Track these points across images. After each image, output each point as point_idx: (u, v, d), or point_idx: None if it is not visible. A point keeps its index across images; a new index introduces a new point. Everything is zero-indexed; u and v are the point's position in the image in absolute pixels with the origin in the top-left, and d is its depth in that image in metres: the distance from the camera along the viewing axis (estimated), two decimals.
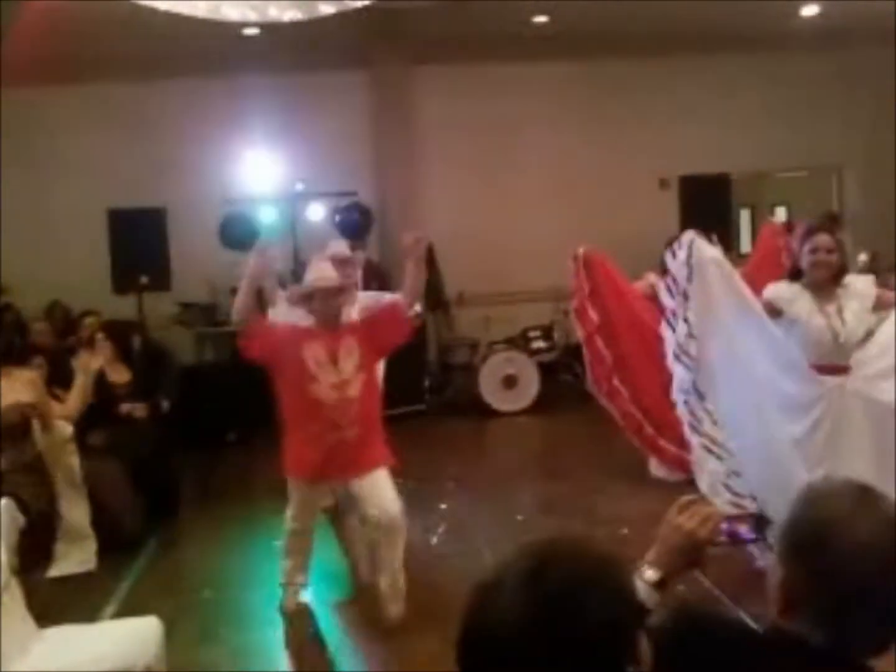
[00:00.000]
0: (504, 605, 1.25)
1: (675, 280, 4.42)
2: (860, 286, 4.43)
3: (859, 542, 1.45)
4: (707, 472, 4.48)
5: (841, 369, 4.31)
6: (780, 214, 12.74)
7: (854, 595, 1.45)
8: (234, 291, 8.91)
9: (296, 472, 4.45)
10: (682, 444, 6.17)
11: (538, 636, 1.23)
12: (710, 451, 4.48)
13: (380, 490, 4.33)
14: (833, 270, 4.34)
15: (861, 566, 1.44)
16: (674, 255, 4.45)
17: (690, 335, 4.41)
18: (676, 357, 4.51)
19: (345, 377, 4.28)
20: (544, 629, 1.23)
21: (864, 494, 1.53)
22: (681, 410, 4.59)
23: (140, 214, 9.39)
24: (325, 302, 4.33)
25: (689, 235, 4.43)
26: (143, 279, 8.75)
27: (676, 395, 4.58)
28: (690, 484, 5.99)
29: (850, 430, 4.25)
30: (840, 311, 4.30)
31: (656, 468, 6.45)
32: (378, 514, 4.32)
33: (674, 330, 4.51)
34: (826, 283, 4.35)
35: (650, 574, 1.65)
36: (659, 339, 6.04)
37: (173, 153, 9.43)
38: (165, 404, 6.85)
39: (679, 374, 4.52)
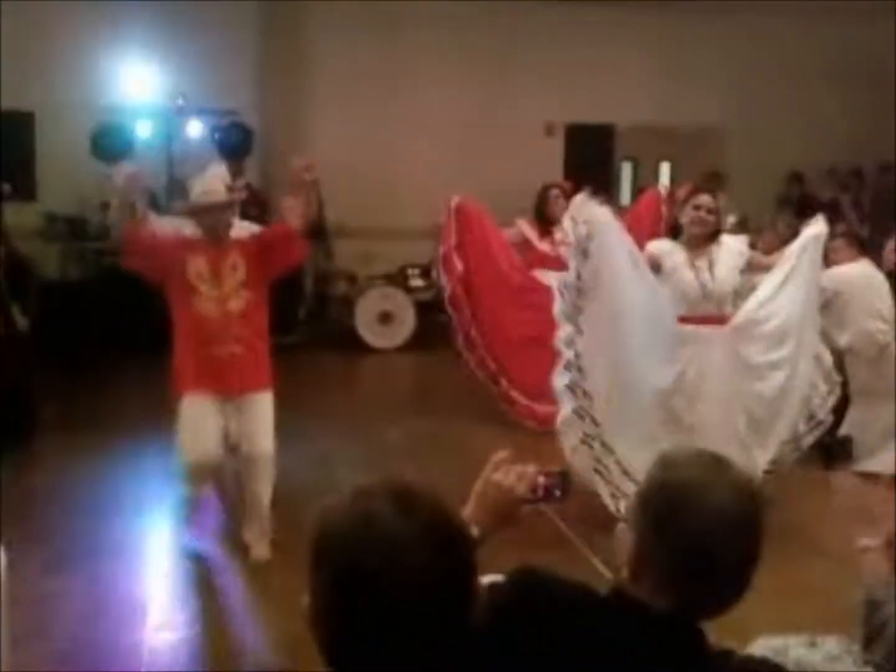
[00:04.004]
0: (386, 536, 1.24)
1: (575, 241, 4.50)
2: (733, 244, 4.82)
3: (710, 509, 1.48)
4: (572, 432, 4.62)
5: (711, 320, 4.66)
6: (664, 170, 12.95)
7: (701, 561, 1.48)
8: (103, 206, 8.67)
9: (184, 385, 4.31)
10: (534, 396, 6.33)
11: (423, 562, 1.24)
12: (580, 416, 4.58)
13: (257, 424, 4.31)
14: (709, 229, 4.72)
15: (710, 534, 1.47)
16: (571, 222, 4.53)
17: (581, 291, 4.50)
18: (565, 315, 4.57)
19: (226, 292, 4.24)
20: (428, 554, 1.24)
21: (717, 463, 1.57)
22: (561, 368, 4.65)
23: (5, 117, 8.83)
24: (212, 217, 4.25)
25: (581, 198, 4.54)
26: (6, 187, 8.25)
27: (560, 347, 4.64)
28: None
29: (713, 378, 4.59)
30: (710, 266, 4.66)
31: None
32: (248, 449, 4.30)
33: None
34: (701, 240, 4.72)
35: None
36: (523, 293, 6.18)
37: (45, 54, 8.87)
38: (23, 322, 6.54)
39: (566, 330, 4.58)
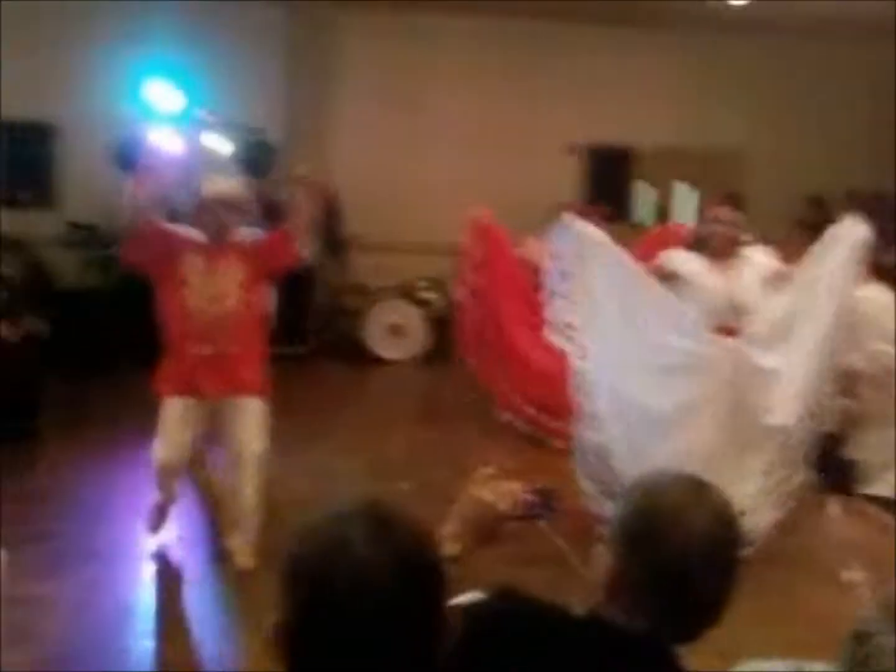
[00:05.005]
0: (358, 562, 1.24)
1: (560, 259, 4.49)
2: (758, 257, 4.72)
3: (686, 533, 1.47)
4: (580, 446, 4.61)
5: (734, 331, 4.55)
6: (682, 192, 12.92)
7: (676, 584, 1.47)
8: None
9: (168, 386, 4.31)
10: (546, 412, 6.33)
11: (393, 589, 1.23)
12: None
13: (246, 426, 4.30)
14: (731, 241, 4.64)
15: (686, 557, 1.46)
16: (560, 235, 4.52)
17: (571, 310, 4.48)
18: (558, 329, 4.56)
19: (221, 290, 4.25)
20: (398, 581, 1.24)
21: (696, 487, 1.56)
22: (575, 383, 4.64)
23: (29, 128, 8.94)
24: (215, 213, 4.27)
25: (569, 219, 4.53)
26: (26, 195, 8.36)
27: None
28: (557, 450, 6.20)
29: (728, 390, 4.46)
30: (737, 276, 4.58)
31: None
32: (237, 451, 4.30)
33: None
34: (724, 253, 4.63)
35: (448, 548, 1.62)
36: (533, 314, 6.22)
37: (68, 66, 8.97)
38: (42, 327, 6.61)
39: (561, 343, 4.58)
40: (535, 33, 10.20)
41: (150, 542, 4.62)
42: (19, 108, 8.81)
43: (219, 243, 4.30)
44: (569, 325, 4.50)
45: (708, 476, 1.59)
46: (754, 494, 4.49)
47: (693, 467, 1.69)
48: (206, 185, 4.35)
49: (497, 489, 1.69)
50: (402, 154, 10.07)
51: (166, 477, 4.42)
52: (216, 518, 4.70)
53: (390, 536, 1.28)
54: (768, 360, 4.54)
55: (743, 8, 9.20)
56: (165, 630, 3.86)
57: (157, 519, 4.58)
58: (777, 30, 9.88)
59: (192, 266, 4.25)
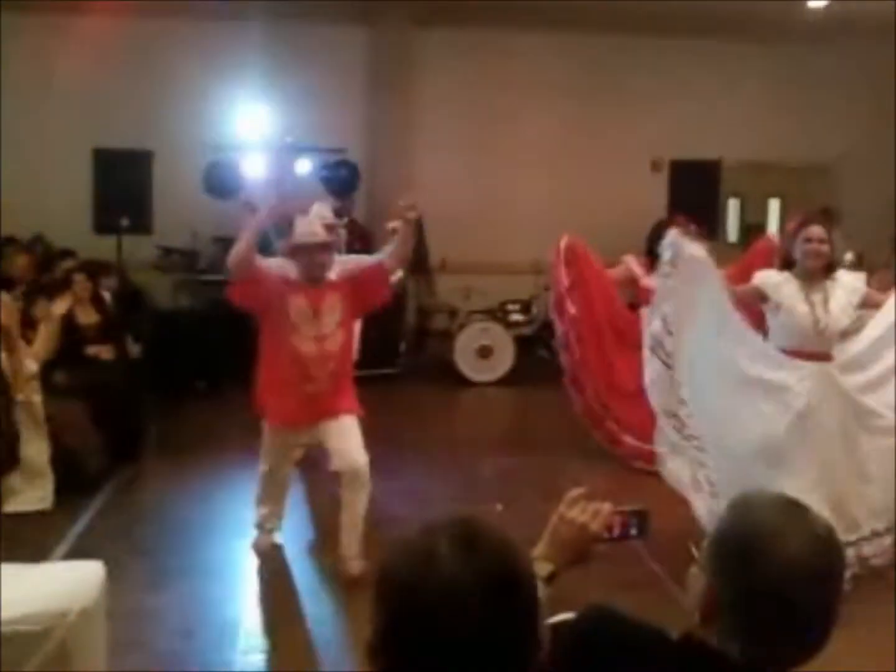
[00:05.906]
0: (444, 576, 1.26)
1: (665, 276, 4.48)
2: (850, 280, 4.57)
3: (786, 557, 1.44)
4: (675, 465, 4.55)
5: (821, 356, 4.44)
6: (773, 207, 12.70)
7: (772, 609, 1.44)
8: (215, 240, 8.99)
9: (270, 417, 4.52)
10: (643, 437, 6.27)
11: (480, 604, 1.24)
12: (681, 446, 4.52)
13: (347, 441, 4.40)
14: (824, 260, 4.47)
15: (786, 582, 1.43)
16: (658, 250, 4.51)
17: (668, 332, 4.44)
18: (652, 350, 4.53)
19: (325, 331, 4.37)
20: (485, 596, 1.25)
21: (794, 510, 1.53)
22: (654, 403, 4.61)
23: (127, 156, 9.28)
24: (311, 257, 4.36)
25: (673, 236, 4.48)
26: (124, 221, 8.67)
27: (648, 388, 4.59)
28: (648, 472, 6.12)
29: (823, 413, 4.37)
30: (825, 301, 4.43)
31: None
32: (343, 465, 4.40)
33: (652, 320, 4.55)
34: (816, 274, 4.48)
35: (541, 568, 1.63)
36: (626, 334, 6.14)
37: (165, 96, 9.31)
38: (135, 348, 6.83)
39: (654, 366, 4.54)
40: (617, 47, 10.19)
41: (265, 544, 4.79)
42: (118, 137, 9.16)
43: (316, 284, 4.40)
44: (662, 348, 4.46)
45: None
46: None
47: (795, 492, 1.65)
48: (299, 228, 4.42)
49: (589, 510, 1.69)
50: (485, 173, 10.13)
51: (270, 486, 4.63)
52: (324, 528, 4.78)
53: (477, 552, 1.28)
54: (864, 392, 4.45)
55: (821, 10, 9.03)
56: (268, 643, 3.94)
57: (268, 522, 4.76)
58: (860, 34, 9.63)
59: (299, 309, 4.36)
